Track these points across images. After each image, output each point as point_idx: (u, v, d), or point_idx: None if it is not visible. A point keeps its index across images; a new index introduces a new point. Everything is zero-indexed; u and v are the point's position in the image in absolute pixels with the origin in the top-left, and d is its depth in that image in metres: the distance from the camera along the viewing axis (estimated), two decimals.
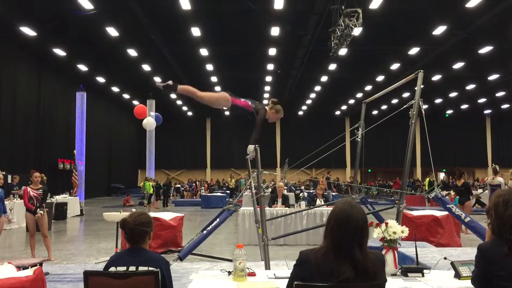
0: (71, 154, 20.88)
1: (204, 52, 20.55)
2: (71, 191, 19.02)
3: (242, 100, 5.42)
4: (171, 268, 2.95)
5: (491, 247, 2.38)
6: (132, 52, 20.42)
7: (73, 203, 17.55)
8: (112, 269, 2.79)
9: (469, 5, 15.43)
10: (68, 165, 23.38)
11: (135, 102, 29.34)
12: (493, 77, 25.85)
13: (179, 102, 33.29)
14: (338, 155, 35.09)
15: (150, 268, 2.75)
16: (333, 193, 22.62)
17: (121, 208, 17.81)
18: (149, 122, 23.17)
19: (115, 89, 28.61)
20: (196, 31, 17.88)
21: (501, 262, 2.29)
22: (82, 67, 22.81)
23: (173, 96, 30.55)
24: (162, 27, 18.14)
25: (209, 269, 5.13)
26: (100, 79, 25.53)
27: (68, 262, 8.06)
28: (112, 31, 17.56)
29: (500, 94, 30.88)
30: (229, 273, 3.21)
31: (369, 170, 36.55)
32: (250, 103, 5.40)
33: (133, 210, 3.33)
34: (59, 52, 20.19)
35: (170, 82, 5.26)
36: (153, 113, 24.08)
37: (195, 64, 22.84)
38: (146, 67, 22.83)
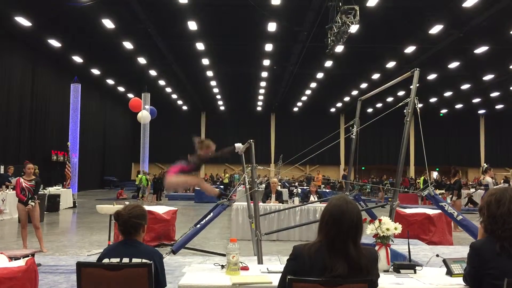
0: (65, 146, 20.78)
1: (200, 46, 20.46)
2: (64, 183, 18.95)
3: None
4: (164, 261, 2.95)
5: (484, 245, 2.40)
6: (128, 45, 20.29)
7: (66, 195, 17.48)
8: (106, 260, 2.79)
9: (466, 4, 15.49)
10: (61, 157, 23.26)
11: (130, 95, 29.19)
12: (488, 77, 25.97)
13: (174, 96, 33.19)
14: (332, 152, 35.15)
15: (144, 260, 2.75)
16: (327, 190, 22.66)
17: (114, 200, 17.78)
18: (144, 115, 23.09)
19: (110, 81, 28.45)
20: (192, 25, 17.80)
21: (493, 260, 2.31)
22: (77, 59, 22.65)
23: (168, 90, 30.44)
24: (158, 20, 18.04)
25: (202, 262, 5.14)
26: (95, 71, 25.37)
27: (61, 254, 8.04)
28: (108, 23, 17.46)
29: (494, 94, 31.03)
30: (222, 267, 3.21)
31: (363, 168, 36.69)
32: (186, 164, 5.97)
33: (126, 203, 3.31)
34: (54, 43, 20.04)
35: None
36: (148, 107, 24.00)
37: (191, 58, 22.75)
38: (141, 60, 22.71)
